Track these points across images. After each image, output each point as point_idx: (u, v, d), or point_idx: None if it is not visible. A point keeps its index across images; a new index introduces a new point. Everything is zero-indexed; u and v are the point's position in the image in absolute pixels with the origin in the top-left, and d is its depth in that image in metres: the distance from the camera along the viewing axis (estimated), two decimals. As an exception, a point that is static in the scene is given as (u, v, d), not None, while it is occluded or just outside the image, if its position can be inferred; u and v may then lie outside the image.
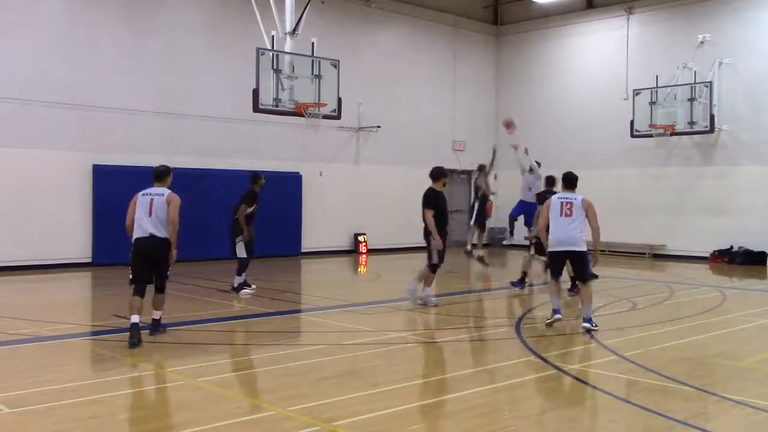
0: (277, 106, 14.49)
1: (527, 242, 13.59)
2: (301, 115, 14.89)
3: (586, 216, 9.44)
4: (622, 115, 20.84)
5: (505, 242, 19.48)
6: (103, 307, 11.64)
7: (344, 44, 19.57)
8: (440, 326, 10.17)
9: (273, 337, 9.27)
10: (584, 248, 9.45)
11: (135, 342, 8.06)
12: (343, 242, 21.03)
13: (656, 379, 6.96)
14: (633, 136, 20.50)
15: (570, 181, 9.83)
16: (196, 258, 16.16)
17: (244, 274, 12.25)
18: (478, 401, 6.38)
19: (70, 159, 16.16)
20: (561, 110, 23.17)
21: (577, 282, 10.90)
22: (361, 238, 21.08)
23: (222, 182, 17.67)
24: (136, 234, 8.46)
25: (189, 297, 11.86)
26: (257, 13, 14.82)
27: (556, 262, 9.75)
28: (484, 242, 15.50)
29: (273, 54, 14.36)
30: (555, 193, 12.71)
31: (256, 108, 14.27)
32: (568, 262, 9.83)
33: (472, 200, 14.40)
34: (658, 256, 20.60)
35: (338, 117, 15.69)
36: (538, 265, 14.19)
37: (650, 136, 20.27)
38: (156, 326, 8.77)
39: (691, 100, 19.60)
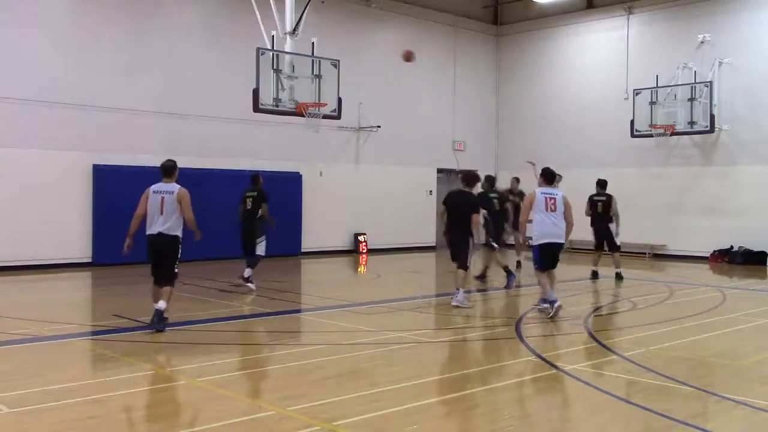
0: (277, 106, 14.50)
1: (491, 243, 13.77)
2: (301, 115, 14.90)
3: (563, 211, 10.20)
4: (622, 115, 20.85)
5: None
6: (103, 307, 11.67)
7: (344, 44, 19.56)
8: (440, 326, 10.20)
9: (273, 337, 9.29)
10: (564, 240, 10.25)
11: (155, 324, 8.90)
12: (343, 242, 21.03)
13: (656, 379, 6.96)
14: (633, 135, 20.50)
15: (550, 176, 10.49)
16: (196, 258, 16.12)
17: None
18: (478, 401, 6.39)
19: (70, 159, 16.16)
20: (561, 110, 23.16)
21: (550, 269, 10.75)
22: (361, 238, 21.08)
23: (222, 182, 17.65)
24: (148, 231, 9.12)
25: (189, 297, 11.85)
26: (257, 13, 14.84)
27: (545, 254, 10.26)
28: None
29: (273, 54, 14.36)
30: (495, 193, 13.99)
31: (256, 108, 14.28)
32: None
33: (505, 204, 14.45)
34: (658, 256, 20.61)
35: (338, 117, 15.71)
36: (508, 262, 14.50)
37: (650, 136, 20.27)
38: (159, 318, 8.96)
39: (691, 100, 19.59)
